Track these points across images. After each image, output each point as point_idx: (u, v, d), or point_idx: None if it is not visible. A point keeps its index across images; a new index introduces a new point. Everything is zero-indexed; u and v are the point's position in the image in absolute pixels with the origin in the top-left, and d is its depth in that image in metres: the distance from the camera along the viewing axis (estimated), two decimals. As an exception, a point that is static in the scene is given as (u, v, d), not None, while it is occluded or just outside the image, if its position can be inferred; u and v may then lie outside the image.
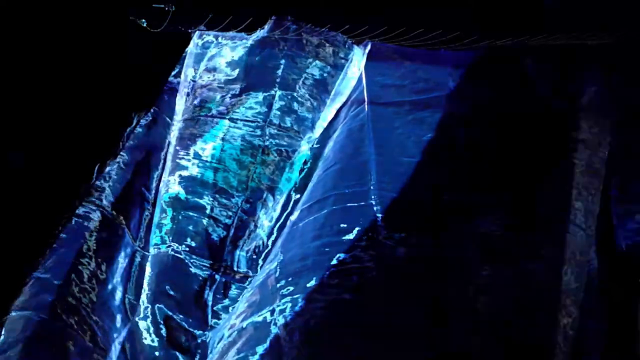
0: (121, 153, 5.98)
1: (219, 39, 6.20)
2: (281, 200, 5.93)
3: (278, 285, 5.31)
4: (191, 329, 5.62)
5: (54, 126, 6.29)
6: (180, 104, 6.19)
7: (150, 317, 5.60)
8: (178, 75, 6.34)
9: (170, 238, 5.75)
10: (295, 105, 6.01)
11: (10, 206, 6.09)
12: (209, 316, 5.69)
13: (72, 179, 6.04)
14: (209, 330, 5.61)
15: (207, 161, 5.88)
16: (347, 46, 6.15)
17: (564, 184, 5.43)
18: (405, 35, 6.43)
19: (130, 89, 6.26)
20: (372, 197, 5.47)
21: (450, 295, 5.12)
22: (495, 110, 5.71)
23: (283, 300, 5.22)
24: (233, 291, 5.77)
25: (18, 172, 6.22)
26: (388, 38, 6.40)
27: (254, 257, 5.86)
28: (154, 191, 6.03)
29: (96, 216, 5.74)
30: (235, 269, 5.81)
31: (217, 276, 5.75)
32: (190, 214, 5.79)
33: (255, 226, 5.87)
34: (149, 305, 5.60)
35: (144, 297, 5.65)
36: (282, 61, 6.10)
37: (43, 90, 6.32)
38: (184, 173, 5.86)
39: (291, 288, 5.26)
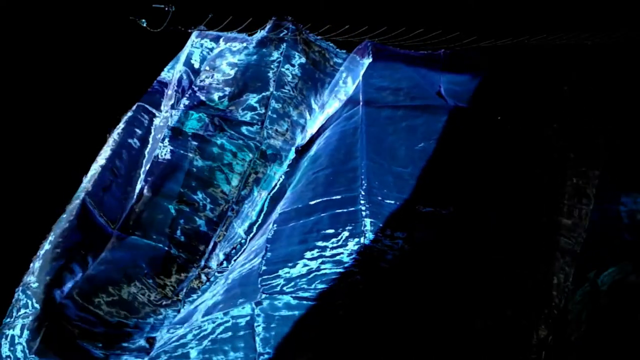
0: (106, 148, 6.02)
1: (220, 40, 6.21)
2: (261, 201, 5.95)
3: (261, 281, 5.31)
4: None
5: (43, 125, 6.34)
6: (171, 97, 6.17)
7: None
8: (171, 71, 6.37)
9: (160, 229, 5.78)
10: (290, 109, 6.02)
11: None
12: (181, 308, 5.73)
13: (62, 176, 6.11)
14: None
15: (205, 159, 5.91)
16: (338, 55, 6.14)
17: (554, 200, 5.41)
18: (405, 35, 6.42)
19: (123, 88, 6.28)
20: (362, 202, 5.45)
21: (436, 303, 5.10)
22: (488, 124, 5.68)
23: (264, 297, 5.23)
24: (205, 286, 5.80)
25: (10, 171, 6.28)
26: (388, 38, 6.39)
27: (232, 254, 5.88)
28: (123, 173, 6.05)
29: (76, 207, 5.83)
30: (214, 266, 5.84)
31: (196, 271, 5.78)
32: (184, 208, 5.81)
33: (238, 226, 5.90)
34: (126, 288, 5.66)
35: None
36: (279, 63, 6.11)
37: (36, 90, 6.36)
38: (181, 166, 5.88)
39: (274, 287, 5.25)
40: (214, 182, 5.90)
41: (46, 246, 5.72)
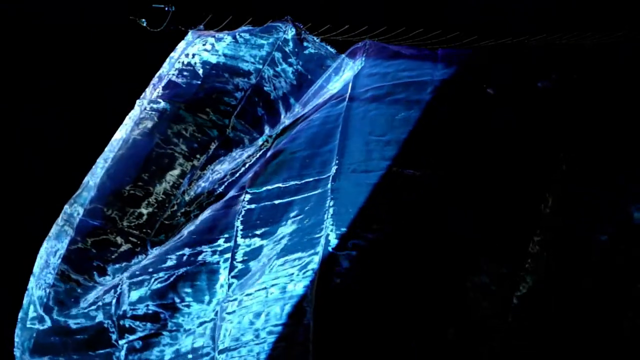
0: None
1: (210, 37, 6.18)
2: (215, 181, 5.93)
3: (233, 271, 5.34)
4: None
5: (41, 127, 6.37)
6: (150, 90, 6.12)
7: None
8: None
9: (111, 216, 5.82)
10: (267, 104, 6.01)
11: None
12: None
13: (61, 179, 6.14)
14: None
15: (168, 144, 5.90)
16: (332, 58, 6.13)
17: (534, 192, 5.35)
18: (405, 35, 6.44)
19: (122, 88, 6.29)
20: (331, 183, 5.37)
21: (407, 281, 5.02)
22: (474, 97, 5.59)
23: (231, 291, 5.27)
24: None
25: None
26: (388, 38, 6.41)
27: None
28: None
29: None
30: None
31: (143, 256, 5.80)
32: (138, 193, 5.80)
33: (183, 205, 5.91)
34: None
35: None
36: (267, 59, 6.09)
37: (33, 91, 6.38)
38: (141, 153, 5.88)
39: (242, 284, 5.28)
40: (173, 166, 5.88)
41: None
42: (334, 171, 5.37)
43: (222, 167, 5.86)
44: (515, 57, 5.86)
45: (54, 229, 5.78)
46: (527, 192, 5.23)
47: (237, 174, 5.82)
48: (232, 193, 5.65)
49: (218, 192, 5.78)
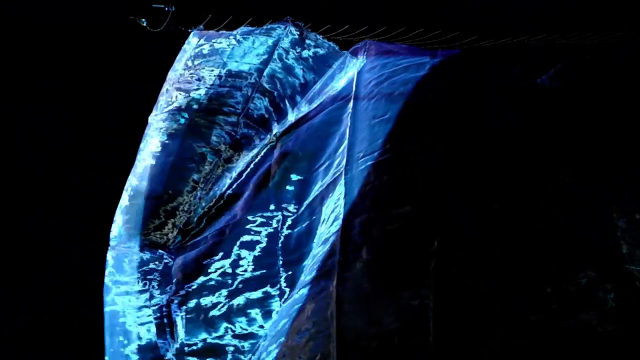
0: None
1: (213, 38, 6.17)
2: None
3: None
4: None
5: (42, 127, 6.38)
6: (162, 99, 6.12)
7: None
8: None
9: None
10: (273, 103, 5.99)
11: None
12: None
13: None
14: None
15: (178, 154, 5.88)
16: (335, 56, 6.12)
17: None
18: (405, 35, 6.44)
19: (123, 89, 6.31)
20: (344, 178, 5.35)
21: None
22: (473, 91, 5.60)
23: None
24: None
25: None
26: (388, 38, 6.41)
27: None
28: None
29: None
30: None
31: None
32: (153, 202, 5.79)
33: (201, 208, 5.90)
34: None
35: None
36: (269, 59, 6.08)
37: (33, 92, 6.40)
38: (154, 164, 5.87)
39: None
40: (184, 174, 5.87)
41: None
42: (345, 165, 5.38)
43: (231, 169, 5.87)
44: (515, 57, 5.87)
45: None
46: (526, 192, 5.24)
47: (245, 175, 5.82)
48: (250, 203, 5.67)
49: (228, 194, 5.78)
